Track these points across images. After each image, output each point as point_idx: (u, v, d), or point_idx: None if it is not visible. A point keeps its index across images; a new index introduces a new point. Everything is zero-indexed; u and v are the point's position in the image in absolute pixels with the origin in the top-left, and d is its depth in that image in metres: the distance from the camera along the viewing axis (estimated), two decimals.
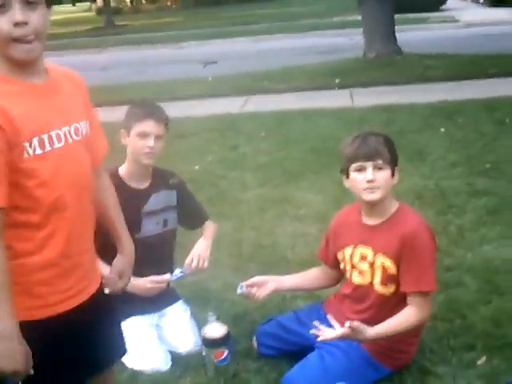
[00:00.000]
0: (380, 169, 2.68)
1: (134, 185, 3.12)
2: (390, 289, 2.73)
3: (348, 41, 15.24)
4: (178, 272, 3.14)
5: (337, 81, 10.02)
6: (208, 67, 14.16)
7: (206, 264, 3.15)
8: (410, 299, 2.68)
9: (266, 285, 3.06)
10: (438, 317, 3.25)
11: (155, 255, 3.11)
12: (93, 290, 2.04)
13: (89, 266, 2.02)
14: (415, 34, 15.47)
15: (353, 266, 2.83)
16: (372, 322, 2.67)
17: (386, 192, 2.71)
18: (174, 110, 9.33)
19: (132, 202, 3.06)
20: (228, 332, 2.97)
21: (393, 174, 2.72)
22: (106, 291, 2.14)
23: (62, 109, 1.88)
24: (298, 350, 2.97)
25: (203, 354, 2.96)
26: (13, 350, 1.72)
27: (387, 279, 2.72)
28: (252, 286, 3.05)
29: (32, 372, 1.80)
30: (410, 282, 2.66)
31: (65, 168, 1.86)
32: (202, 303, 3.59)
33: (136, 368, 3.02)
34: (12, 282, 1.72)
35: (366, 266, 2.77)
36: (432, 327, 3.15)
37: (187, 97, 10.19)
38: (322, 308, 3.06)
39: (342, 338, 2.59)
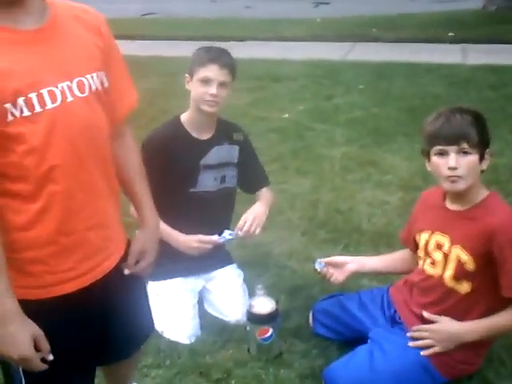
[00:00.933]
0: (465, 153, 2.29)
1: (196, 134, 2.90)
2: (463, 286, 2.38)
3: None
4: (227, 234, 2.89)
5: (450, 34, 9.35)
6: (319, 7, 13.66)
7: (258, 230, 2.90)
8: None
9: (344, 266, 2.80)
10: None
11: (210, 214, 2.91)
12: (108, 267, 1.79)
13: (100, 242, 1.76)
14: None
15: (427, 254, 2.52)
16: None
17: (471, 181, 2.33)
18: (274, 50, 9.18)
19: (191, 152, 2.87)
20: (276, 309, 2.74)
21: (482, 159, 2.34)
22: (126, 272, 1.87)
23: (60, 59, 1.56)
24: (353, 335, 2.73)
25: (247, 328, 2.76)
26: (14, 334, 1.54)
27: (461, 275, 2.37)
28: (330, 264, 2.80)
29: (51, 357, 1.61)
30: (509, 285, 2.30)
31: (61, 132, 1.55)
32: (260, 268, 3.40)
33: (163, 334, 2.86)
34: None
35: (440, 256, 2.44)
36: None
37: (291, 38, 9.86)
38: (387, 293, 2.78)
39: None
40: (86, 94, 1.61)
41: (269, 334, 2.71)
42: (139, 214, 1.96)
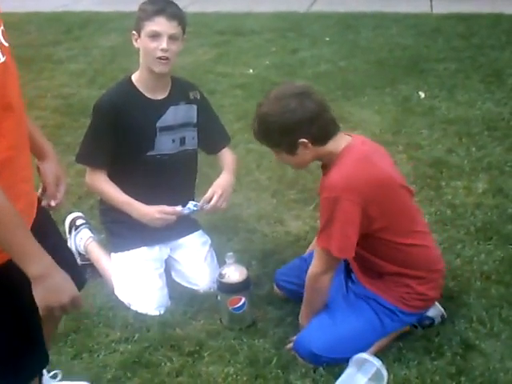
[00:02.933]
0: (276, 152, 2.37)
1: (150, 95, 2.72)
2: None
3: None
4: (191, 205, 2.73)
5: None
6: None
7: (225, 204, 2.77)
8: None
9: None
10: (492, 277, 2.83)
11: (171, 179, 2.76)
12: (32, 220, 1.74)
13: (31, 195, 1.74)
14: None
15: None
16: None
17: (301, 165, 2.42)
18: (238, 4, 8.88)
19: (145, 113, 2.71)
20: (247, 277, 2.62)
21: (293, 151, 2.28)
22: (53, 204, 1.88)
23: None
24: None
25: (218, 298, 2.65)
26: (63, 281, 1.58)
27: None
28: None
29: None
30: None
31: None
32: (229, 233, 3.29)
33: (130, 306, 2.77)
34: None
35: None
36: (484, 290, 2.74)
37: None
38: None
39: None
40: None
41: (241, 303, 2.60)
42: (40, 151, 1.92)
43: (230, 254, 2.65)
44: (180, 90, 2.80)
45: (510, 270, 2.88)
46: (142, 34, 2.60)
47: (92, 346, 2.54)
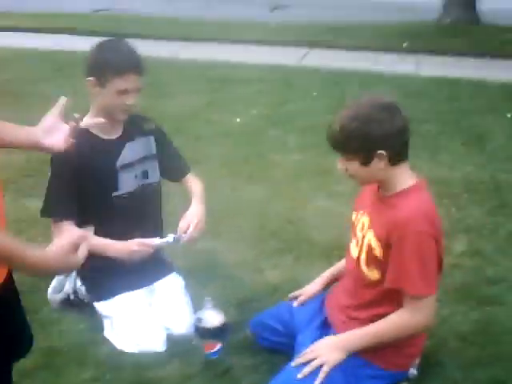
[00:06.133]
0: (348, 160, 2.27)
1: (105, 136, 2.73)
2: (374, 273, 2.32)
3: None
4: (170, 238, 2.71)
5: (404, 44, 9.39)
6: (276, 12, 13.64)
7: (199, 234, 2.76)
8: (403, 300, 2.28)
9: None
10: (467, 338, 2.84)
11: (138, 215, 2.75)
12: None
13: None
14: (498, 2, 14.26)
15: (354, 234, 2.45)
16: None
17: (367, 180, 2.33)
18: (229, 53, 9.05)
19: (104, 155, 2.71)
20: (224, 323, 2.62)
21: (367, 162, 2.22)
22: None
23: None
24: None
25: (193, 342, 2.63)
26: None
27: (371, 260, 2.31)
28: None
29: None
30: (391, 276, 2.25)
31: None
32: (206, 278, 3.25)
33: (127, 350, 2.72)
34: None
35: (360, 236, 2.38)
36: (458, 351, 2.75)
37: (245, 41, 9.76)
38: (322, 298, 2.66)
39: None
40: None
41: (217, 348, 2.58)
42: None
43: (209, 298, 2.63)
44: (133, 124, 2.80)
45: (485, 332, 2.89)
46: (108, 87, 2.56)
47: None
